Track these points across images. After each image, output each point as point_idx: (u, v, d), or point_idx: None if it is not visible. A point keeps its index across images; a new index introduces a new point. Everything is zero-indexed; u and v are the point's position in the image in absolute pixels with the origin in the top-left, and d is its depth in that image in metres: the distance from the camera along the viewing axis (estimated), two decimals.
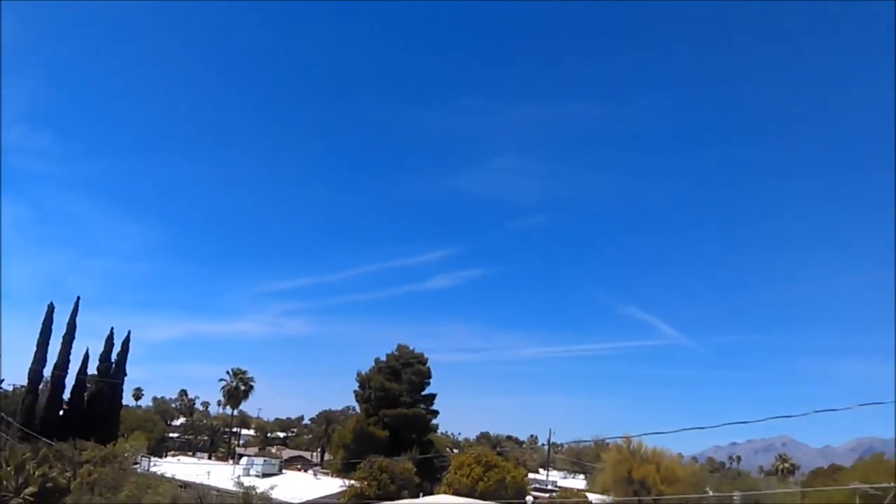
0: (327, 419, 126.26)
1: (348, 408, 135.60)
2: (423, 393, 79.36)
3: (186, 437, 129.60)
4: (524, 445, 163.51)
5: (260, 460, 64.65)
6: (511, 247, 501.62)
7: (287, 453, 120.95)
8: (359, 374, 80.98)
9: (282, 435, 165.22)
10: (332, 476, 67.93)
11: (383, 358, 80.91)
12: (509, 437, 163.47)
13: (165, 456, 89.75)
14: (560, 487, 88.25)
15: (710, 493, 62.59)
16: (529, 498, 44.39)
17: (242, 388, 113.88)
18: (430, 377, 79.48)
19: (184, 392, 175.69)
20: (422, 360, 79.88)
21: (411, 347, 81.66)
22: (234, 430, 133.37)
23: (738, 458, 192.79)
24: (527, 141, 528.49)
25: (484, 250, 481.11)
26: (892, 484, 30.77)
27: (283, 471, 64.86)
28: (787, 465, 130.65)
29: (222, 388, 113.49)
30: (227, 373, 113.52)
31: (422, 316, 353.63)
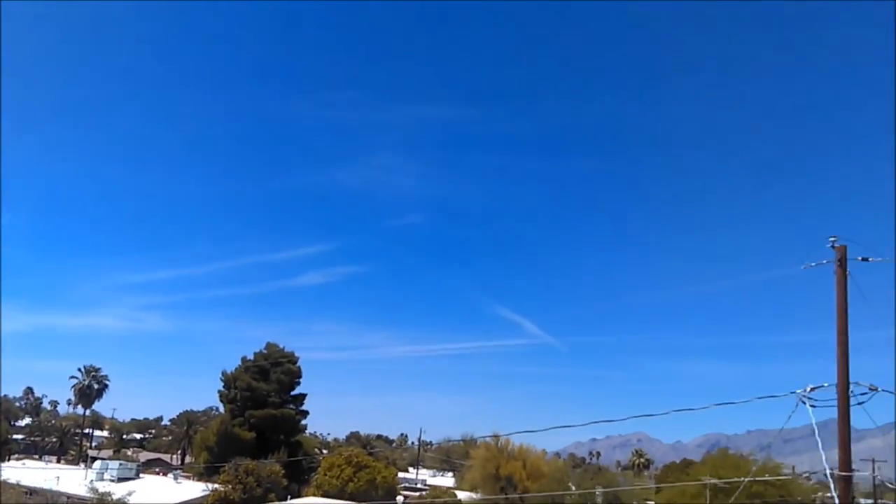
0: (189, 420, 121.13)
1: (211, 408, 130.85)
2: (292, 393, 77.44)
3: (32, 438, 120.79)
4: (394, 444, 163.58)
5: (115, 464, 61.07)
6: (386, 245, 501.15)
7: (144, 456, 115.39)
8: (224, 374, 78.07)
9: (139, 436, 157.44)
10: (193, 480, 65.11)
11: (251, 357, 78.36)
12: (379, 437, 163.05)
13: (8, 459, 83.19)
14: (429, 486, 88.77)
15: (574, 489, 64.63)
16: (400, 498, 44.21)
17: (96, 386, 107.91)
18: (300, 377, 77.72)
19: (29, 390, 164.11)
20: (292, 360, 77.91)
21: (281, 346, 79.53)
22: (86, 431, 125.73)
23: (598, 454, 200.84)
24: (406, 140, 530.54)
25: (358, 248, 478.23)
26: (741, 478, 32.76)
27: (141, 475, 61.63)
28: (642, 460, 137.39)
29: (73, 386, 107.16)
30: (80, 370, 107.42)
31: (292, 313, 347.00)
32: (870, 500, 57.46)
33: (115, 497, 39.37)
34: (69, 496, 44.53)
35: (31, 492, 47.06)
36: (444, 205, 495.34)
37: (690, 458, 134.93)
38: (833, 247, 20.03)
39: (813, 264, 20.77)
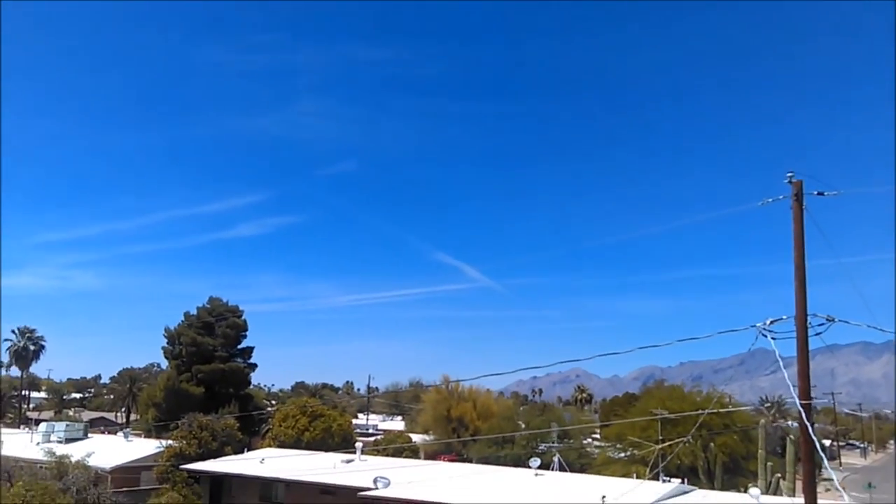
0: (131, 377, 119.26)
1: (152, 364, 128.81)
2: (239, 346, 76.70)
3: None
4: (340, 392, 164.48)
5: (62, 425, 59.66)
6: (321, 193, 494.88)
7: (87, 415, 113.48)
8: (167, 330, 76.67)
9: (78, 396, 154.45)
10: (143, 437, 64.30)
11: (194, 312, 77.05)
12: (325, 385, 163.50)
13: None
14: (382, 430, 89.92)
15: (523, 427, 66.22)
16: (359, 444, 44.63)
17: (32, 348, 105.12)
18: (246, 330, 76.82)
19: None
20: (236, 313, 76.91)
21: (224, 300, 78.34)
22: (23, 393, 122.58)
23: (541, 391, 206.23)
24: (332, 83, 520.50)
25: (292, 197, 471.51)
26: (701, 411, 33.99)
27: (89, 434, 60.44)
28: (584, 395, 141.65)
29: (8, 349, 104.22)
30: (13, 332, 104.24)
31: (228, 266, 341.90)
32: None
33: (73, 459, 38.34)
34: (23, 461, 43.19)
35: None
36: (377, 149, 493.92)
37: (627, 390, 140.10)
38: (790, 182, 20.50)
39: (770, 200, 21.26)
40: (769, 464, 39.31)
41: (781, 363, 18.35)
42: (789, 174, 20.71)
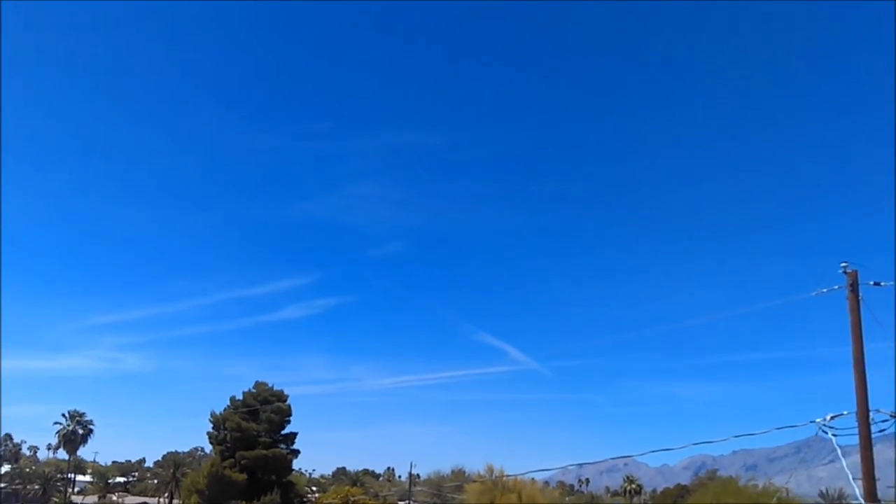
0: (175, 462, 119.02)
1: (196, 449, 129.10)
2: (282, 432, 76.41)
3: (14, 487, 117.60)
4: (381, 478, 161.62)
5: None
6: (367, 275, 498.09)
7: (130, 500, 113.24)
8: (212, 415, 76.93)
9: (122, 480, 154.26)
10: None
11: (239, 396, 77.35)
12: (366, 471, 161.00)
13: None
14: None
15: None
16: None
17: (81, 431, 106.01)
18: (290, 415, 76.78)
19: (8, 436, 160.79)
20: (281, 398, 76.99)
21: (270, 384, 78.57)
22: (69, 476, 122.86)
23: (587, 480, 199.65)
24: (379, 167, 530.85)
25: (339, 279, 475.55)
26: None
27: None
28: (633, 485, 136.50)
29: (58, 432, 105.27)
30: (63, 416, 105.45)
31: (274, 348, 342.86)
32: None
33: None
34: None
35: None
36: (424, 231, 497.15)
37: (677, 481, 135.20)
38: (844, 272, 20.04)
39: (824, 290, 20.79)
40: None
41: (841, 455, 17.67)
42: (843, 264, 20.31)
